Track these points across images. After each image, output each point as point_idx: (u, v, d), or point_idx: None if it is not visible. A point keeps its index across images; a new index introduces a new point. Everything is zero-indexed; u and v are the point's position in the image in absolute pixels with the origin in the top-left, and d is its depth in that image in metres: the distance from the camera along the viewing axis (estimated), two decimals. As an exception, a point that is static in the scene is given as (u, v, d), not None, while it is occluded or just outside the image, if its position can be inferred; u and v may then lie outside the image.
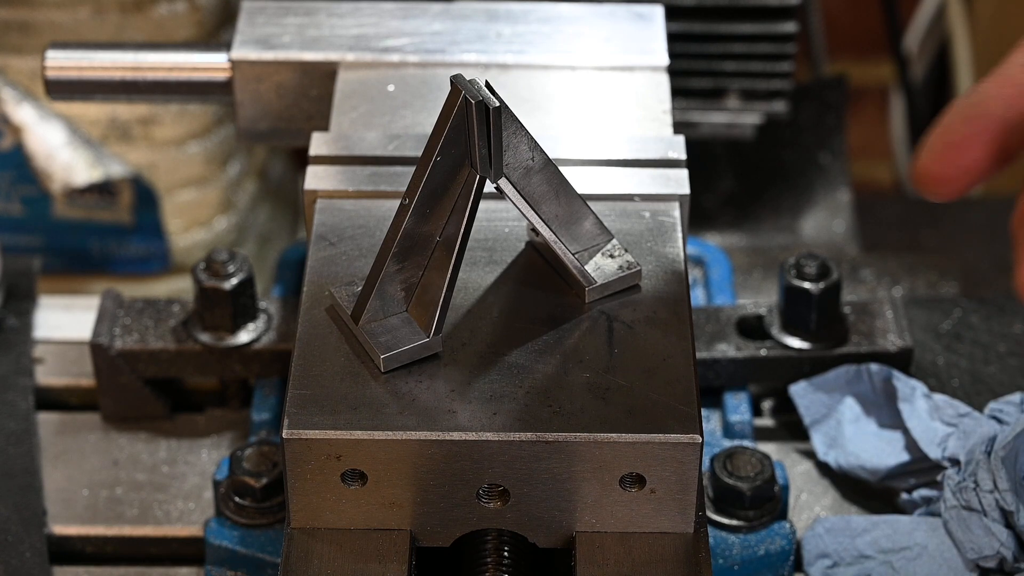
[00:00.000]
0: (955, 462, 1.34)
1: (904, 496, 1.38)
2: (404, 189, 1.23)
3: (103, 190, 2.04)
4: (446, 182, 1.21)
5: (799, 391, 1.45)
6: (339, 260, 1.31)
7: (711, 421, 1.47)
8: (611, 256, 1.29)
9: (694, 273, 1.63)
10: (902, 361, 1.46)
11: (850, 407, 1.43)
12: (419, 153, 1.23)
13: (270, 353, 1.47)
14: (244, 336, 1.47)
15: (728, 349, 1.47)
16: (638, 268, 1.28)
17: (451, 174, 1.21)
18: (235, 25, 1.52)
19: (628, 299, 1.28)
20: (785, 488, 1.39)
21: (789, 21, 1.87)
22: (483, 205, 1.23)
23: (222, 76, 1.51)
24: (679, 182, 1.37)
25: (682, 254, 1.31)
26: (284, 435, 1.18)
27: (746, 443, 1.44)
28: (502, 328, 1.25)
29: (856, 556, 1.34)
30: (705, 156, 2.11)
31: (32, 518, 1.40)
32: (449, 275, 1.22)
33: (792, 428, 1.49)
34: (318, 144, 1.39)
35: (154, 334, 1.48)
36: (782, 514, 1.39)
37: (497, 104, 1.16)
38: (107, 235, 2.09)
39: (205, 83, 1.52)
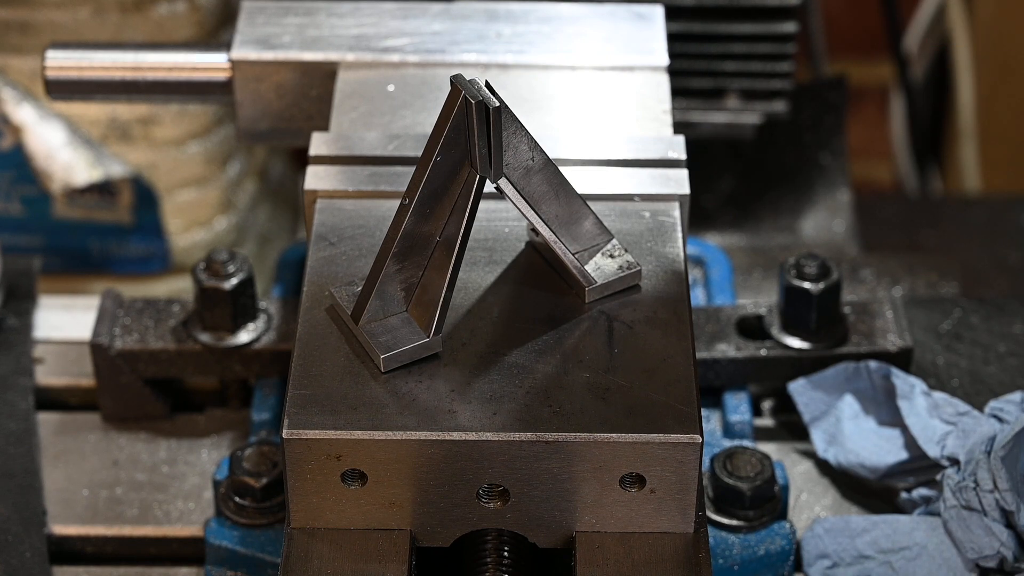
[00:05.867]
0: (954, 461, 1.34)
1: (904, 495, 1.39)
2: (404, 189, 1.23)
3: (103, 190, 2.04)
4: (446, 182, 1.21)
5: (798, 388, 1.45)
6: (339, 260, 1.31)
7: (711, 421, 1.47)
8: (611, 256, 1.29)
9: (694, 273, 1.63)
10: (902, 361, 1.46)
11: (849, 404, 1.43)
12: (419, 153, 1.23)
13: (270, 353, 1.47)
14: (244, 336, 1.47)
15: (728, 349, 1.47)
16: (638, 268, 1.28)
17: (451, 174, 1.21)
18: (235, 25, 1.52)
19: (628, 299, 1.28)
20: (785, 488, 1.39)
21: (789, 21, 1.87)
22: (483, 205, 1.23)
23: (222, 76, 1.51)
24: (679, 182, 1.37)
25: (682, 254, 1.31)
26: (284, 435, 1.18)
27: (746, 443, 1.44)
28: (502, 328, 1.25)
29: (856, 556, 1.34)
30: (705, 156, 2.11)
31: (32, 518, 1.40)
32: (449, 275, 1.22)
33: (792, 428, 1.49)
34: (318, 144, 1.40)
35: (154, 334, 1.48)
36: (782, 514, 1.39)
37: (497, 104, 1.16)
38: (107, 235, 2.09)
39: (205, 83, 1.52)
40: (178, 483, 1.46)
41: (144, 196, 2.04)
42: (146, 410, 1.51)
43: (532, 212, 1.25)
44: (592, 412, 1.19)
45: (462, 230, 1.21)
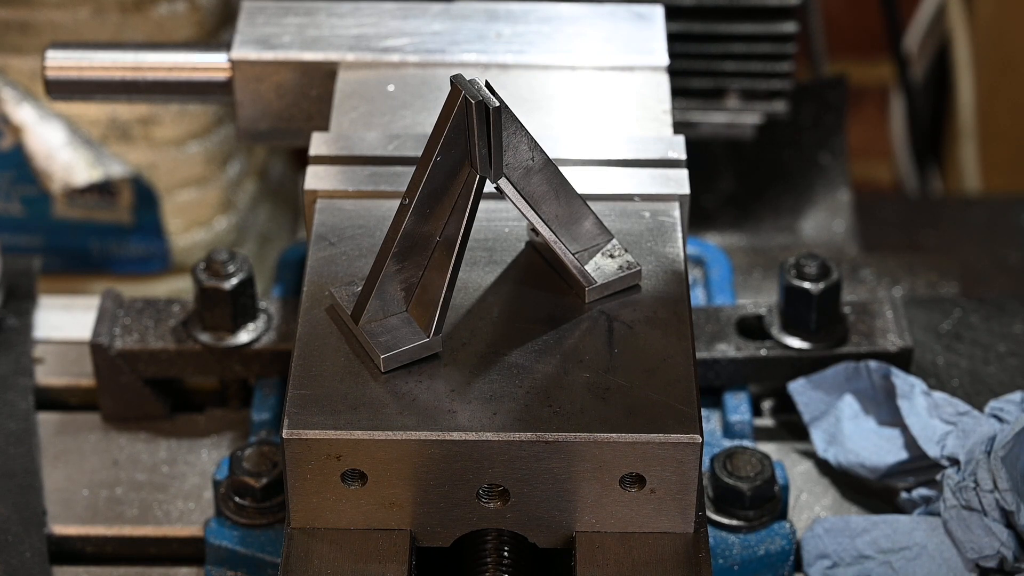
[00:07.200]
0: (953, 461, 1.34)
1: (904, 495, 1.39)
2: (404, 189, 1.23)
3: (103, 190, 2.04)
4: (446, 182, 1.21)
5: (798, 388, 1.45)
6: (339, 260, 1.31)
7: (711, 421, 1.47)
8: (611, 256, 1.29)
9: (694, 273, 1.63)
10: (902, 361, 1.46)
11: (849, 404, 1.43)
12: (419, 153, 1.23)
13: (270, 353, 1.47)
14: (244, 336, 1.47)
15: (728, 349, 1.47)
16: (638, 268, 1.28)
17: (451, 174, 1.21)
18: (235, 25, 1.52)
19: (628, 299, 1.28)
20: (785, 488, 1.39)
21: (789, 21, 1.87)
22: (483, 205, 1.23)
23: (222, 76, 1.51)
24: (679, 182, 1.37)
25: (682, 254, 1.31)
26: (284, 435, 1.18)
27: (746, 443, 1.44)
28: (502, 328, 1.25)
29: (856, 556, 1.34)
30: (705, 156, 2.11)
31: (32, 518, 1.40)
32: (449, 275, 1.22)
33: (792, 428, 1.49)
34: (318, 144, 1.40)
35: (154, 334, 1.48)
36: (782, 514, 1.39)
37: (497, 104, 1.16)
38: (107, 235, 2.09)
39: (205, 83, 1.52)
40: (178, 483, 1.46)
41: (144, 196, 2.04)
42: (146, 410, 1.51)
43: (532, 212, 1.25)
44: (592, 412, 1.19)
45: (462, 230, 1.21)
